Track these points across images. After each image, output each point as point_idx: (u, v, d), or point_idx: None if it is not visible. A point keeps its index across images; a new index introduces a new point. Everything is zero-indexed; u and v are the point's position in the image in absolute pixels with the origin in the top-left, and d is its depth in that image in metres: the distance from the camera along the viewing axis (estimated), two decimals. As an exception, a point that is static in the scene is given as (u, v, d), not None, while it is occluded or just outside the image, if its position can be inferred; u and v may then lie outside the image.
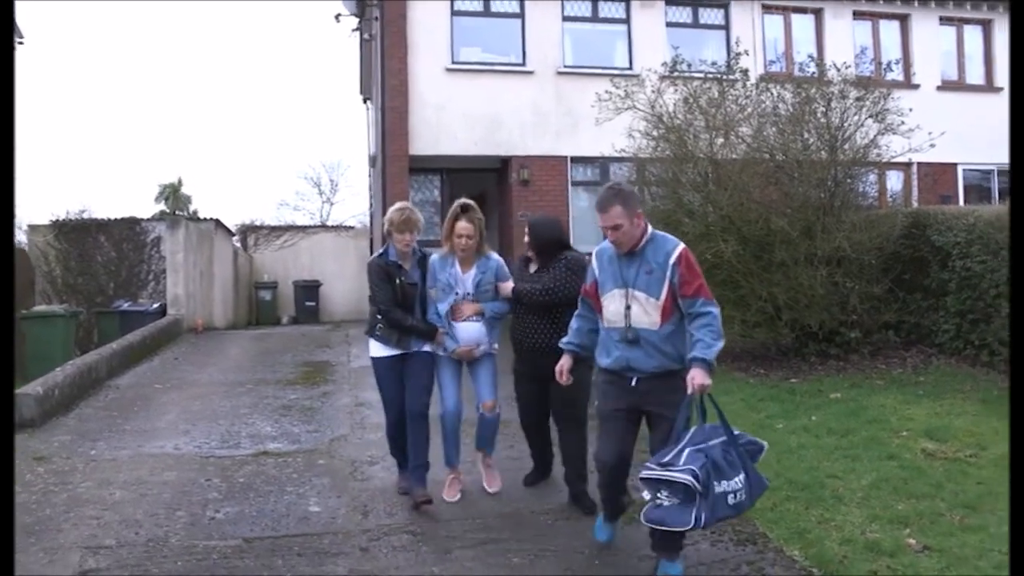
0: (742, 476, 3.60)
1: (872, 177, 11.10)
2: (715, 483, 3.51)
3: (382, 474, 5.75)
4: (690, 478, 3.46)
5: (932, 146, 9.69)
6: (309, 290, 19.12)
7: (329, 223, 34.75)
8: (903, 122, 9.43)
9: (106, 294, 15.37)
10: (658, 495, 3.55)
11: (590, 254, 4.31)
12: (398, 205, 5.09)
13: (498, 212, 15.86)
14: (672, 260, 3.90)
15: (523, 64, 14.66)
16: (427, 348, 5.14)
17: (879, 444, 6.12)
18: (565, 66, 14.71)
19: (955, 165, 16.42)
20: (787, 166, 9.32)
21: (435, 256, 5.16)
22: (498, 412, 5.23)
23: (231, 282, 17.69)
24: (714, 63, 11.01)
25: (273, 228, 22.10)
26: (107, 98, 59.74)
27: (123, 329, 12.78)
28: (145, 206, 47.83)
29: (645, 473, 3.61)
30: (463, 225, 4.98)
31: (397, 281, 5.04)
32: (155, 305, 14.16)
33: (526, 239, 5.25)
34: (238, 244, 20.03)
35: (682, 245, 3.97)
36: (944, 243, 9.06)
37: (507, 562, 4.29)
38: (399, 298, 5.06)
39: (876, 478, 5.37)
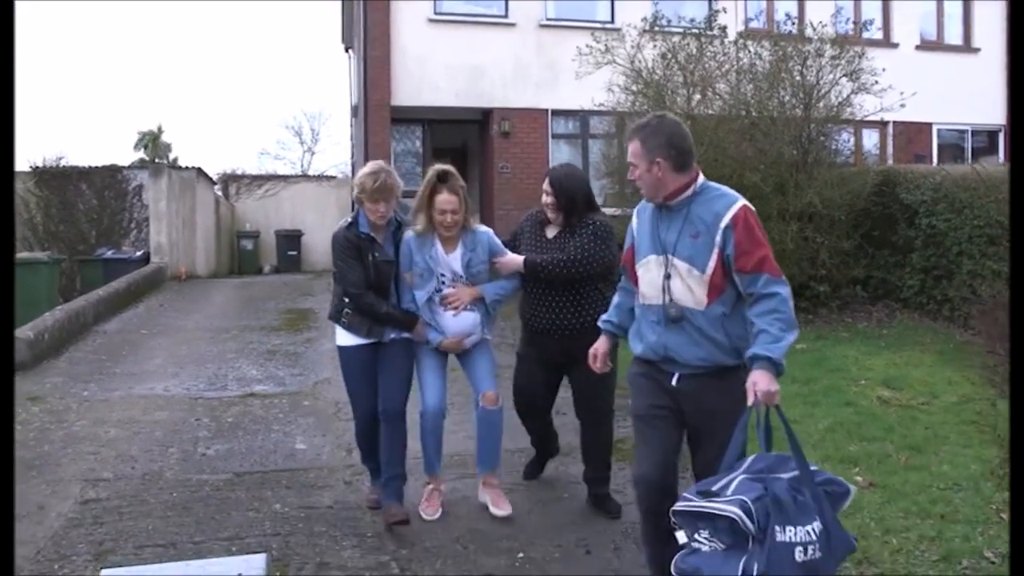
0: (818, 526, 2.55)
1: (846, 135, 11.35)
2: (776, 527, 2.50)
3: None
4: (738, 511, 2.50)
5: (902, 106, 9.92)
6: (291, 240, 19.25)
7: (310, 173, 34.67)
8: (876, 81, 9.65)
9: (88, 242, 15.41)
10: (696, 535, 2.60)
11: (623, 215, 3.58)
12: (371, 167, 4.10)
13: (479, 164, 16.02)
14: (724, 222, 2.95)
15: (505, 16, 14.68)
16: (405, 335, 4.25)
17: (838, 392, 6.45)
18: (547, 19, 14.75)
19: (931, 124, 16.66)
20: (762, 123, 9.53)
21: (410, 234, 4.18)
22: (502, 406, 4.28)
23: (213, 231, 17.78)
24: (693, 20, 11.11)
25: (255, 177, 22.10)
26: (84, 42, 58.73)
27: (107, 277, 12.89)
28: (124, 154, 47.46)
29: (681, 505, 2.65)
30: (445, 198, 4.04)
31: (370, 258, 4.11)
32: (138, 253, 14.27)
33: (546, 197, 4.23)
34: (220, 193, 20.06)
35: (741, 202, 3.00)
36: (912, 201, 9.36)
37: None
38: (372, 279, 4.13)
39: (832, 423, 5.69)
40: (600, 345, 3.52)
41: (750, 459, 2.73)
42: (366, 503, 4.41)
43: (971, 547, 3.73)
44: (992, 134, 17.77)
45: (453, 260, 4.18)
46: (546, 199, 4.23)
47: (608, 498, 4.33)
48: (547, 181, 4.24)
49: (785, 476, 2.64)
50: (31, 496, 4.49)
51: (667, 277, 3.05)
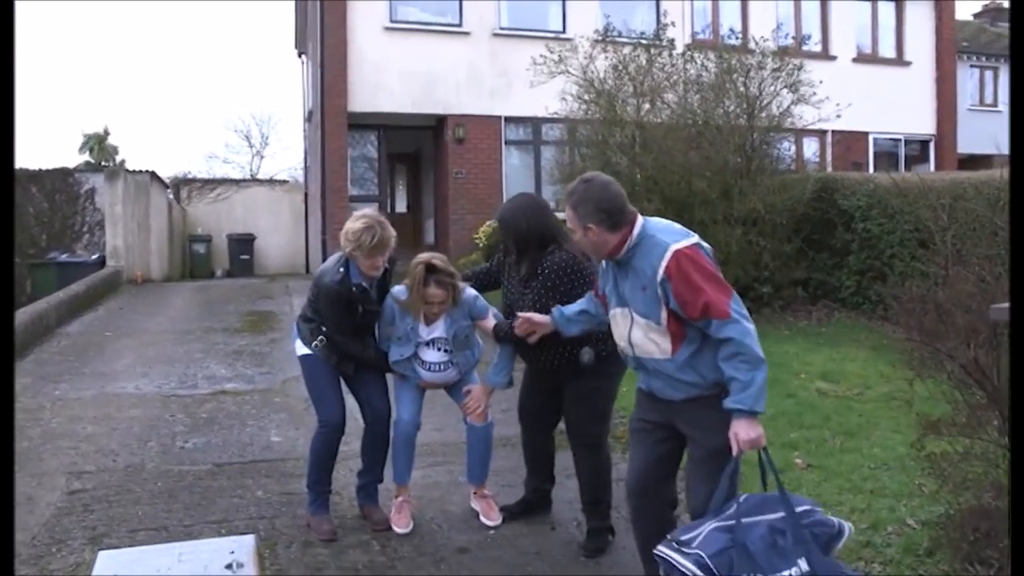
0: (799, 570, 2.60)
1: (788, 143, 11.93)
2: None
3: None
4: (693, 568, 2.59)
5: (839, 116, 10.50)
6: (243, 244, 19.27)
7: (260, 177, 34.50)
8: (815, 93, 10.22)
9: (39, 246, 15.29)
10: None
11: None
12: (363, 222, 3.90)
13: (434, 170, 16.30)
14: (659, 276, 2.89)
15: (460, 24, 15.03)
16: None
17: (780, 384, 6.89)
18: (501, 27, 15.13)
19: (867, 133, 17.45)
20: (708, 132, 10.00)
21: (400, 298, 4.09)
22: (491, 422, 4.28)
23: (166, 235, 17.74)
24: (643, 32, 11.59)
25: (207, 181, 22.02)
26: (23, 40, 57.41)
27: (61, 281, 12.86)
28: (69, 156, 46.52)
29: (658, 550, 2.76)
30: (433, 292, 3.96)
31: (360, 310, 4.04)
32: (94, 256, 14.26)
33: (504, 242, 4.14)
34: (171, 197, 19.99)
35: (673, 248, 2.90)
36: (848, 206, 9.92)
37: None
38: (358, 325, 4.12)
39: (775, 412, 6.11)
40: (536, 315, 3.69)
41: (742, 498, 2.76)
42: (316, 532, 4.10)
43: (896, 516, 4.15)
44: (924, 143, 18.65)
45: (435, 329, 4.12)
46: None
47: (599, 534, 4.00)
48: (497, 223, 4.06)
49: (768, 518, 2.69)
50: (18, 488, 4.64)
51: (630, 331, 3.07)
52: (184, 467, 5.09)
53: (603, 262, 3.24)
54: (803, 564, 2.60)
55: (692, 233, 3.04)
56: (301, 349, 4.22)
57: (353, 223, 3.93)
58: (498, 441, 4.58)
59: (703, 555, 2.60)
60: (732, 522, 2.69)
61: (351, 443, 4.53)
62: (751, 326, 2.87)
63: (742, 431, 2.81)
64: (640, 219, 3.05)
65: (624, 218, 3.02)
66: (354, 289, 3.98)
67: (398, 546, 4.01)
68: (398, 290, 4.12)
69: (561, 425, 4.17)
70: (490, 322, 4.08)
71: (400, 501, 4.26)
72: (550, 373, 3.98)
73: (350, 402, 4.27)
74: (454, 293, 4.01)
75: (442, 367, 4.19)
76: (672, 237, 2.97)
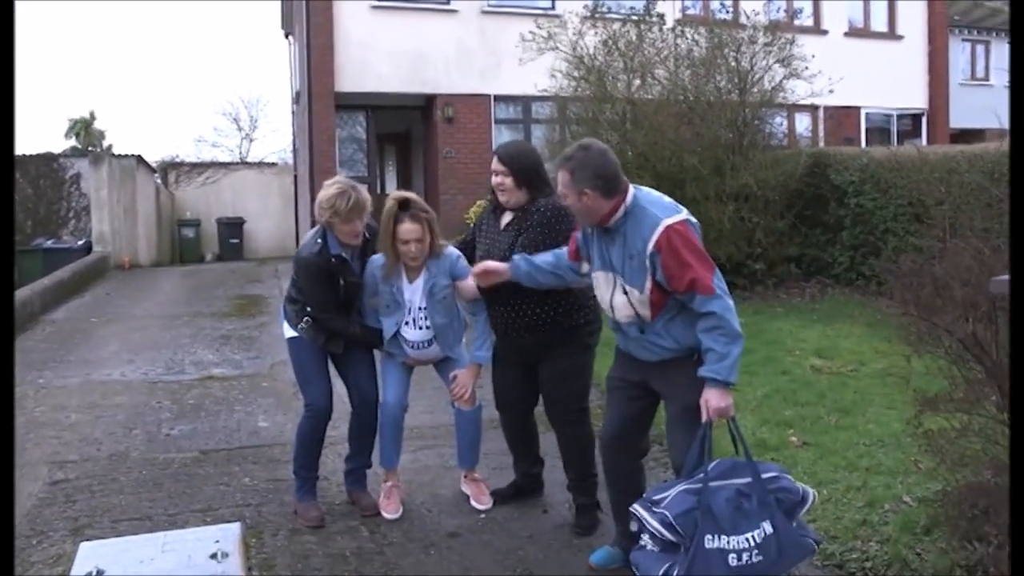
0: (762, 532, 2.77)
1: (780, 119, 11.81)
2: (707, 536, 2.74)
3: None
4: (657, 525, 2.79)
5: (831, 91, 10.38)
6: (233, 227, 19.14)
7: (249, 160, 34.25)
8: (807, 67, 10.10)
9: (24, 232, 15.14)
10: (642, 534, 2.90)
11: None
12: (337, 187, 3.80)
13: (423, 150, 16.15)
14: (650, 248, 2.99)
15: (447, 3, 14.82)
16: None
17: (774, 362, 6.84)
18: (489, 5, 14.93)
19: (859, 108, 17.33)
20: (699, 107, 9.89)
21: (376, 261, 3.97)
22: (479, 405, 4.19)
23: (154, 219, 17.60)
24: (633, 8, 11.43)
25: (195, 165, 21.88)
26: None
27: (47, 267, 12.74)
28: (55, 141, 46.13)
29: (634, 507, 2.94)
30: (407, 228, 3.78)
31: (341, 282, 3.93)
32: (80, 242, 14.13)
33: (496, 178, 3.84)
34: (159, 181, 19.83)
35: (664, 223, 3.00)
36: (841, 182, 9.84)
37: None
38: (342, 300, 3.99)
39: (769, 390, 6.06)
40: (493, 264, 3.70)
41: (713, 464, 2.91)
42: (302, 518, 4.01)
43: (892, 494, 4.09)
44: (916, 117, 18.55)
45: (414, 289, 3.96)
46: (496, 180, 3.83)
47: (587, 510, 3.93)
48: (496, 159, 3.85)
49: (736, 482, 2.86)
50: None
51: (612, 295, 3.19)
52: (169, 455, 5.00)
53: (586, 227, 3.31)
54: (767, 527, 2.80)
55: (681, 207, 3.15)
56: (288, 332, 4.13)
57: (326, 190, 3.83)
58: (488, 423, 4.50)
59: (668, 515, 2.79)
60: (700, 485, 2.85)
61: (339, 427, 4.44)
62: (731, 302, 3.01)
63: (713, 399, 2.95)
64: (631, 188, 3.15)
65: (618, 186, 3.11)
66: (333, 260, 3.88)
67: (387, 531, 3.94)
68: (376, 257, 3.99)
69: (540, 405, 4.08)
70: (471, 282, 3.89)
71: (389, 486, 4.17)
72: (526, 343, 3.85)
73: (339, 386, 4.17)
74: (430, 230, 3.84)
75: (425, 344, 4.06)
76: (664, 212, 3.07)
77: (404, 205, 3.82)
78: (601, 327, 3.94)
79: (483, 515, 4.09)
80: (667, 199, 3.19)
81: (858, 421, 5.30)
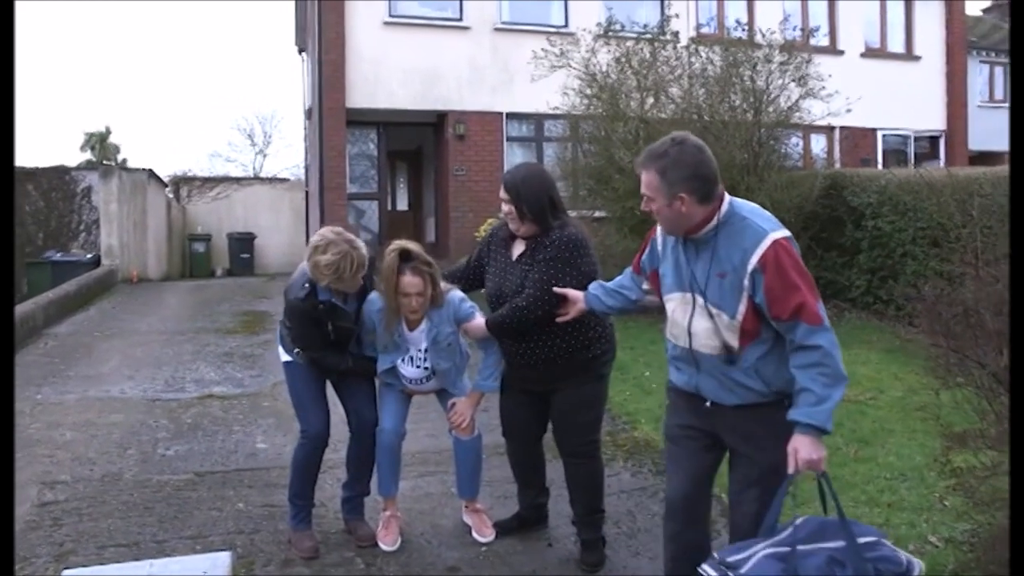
0: None
1: (795, 139, 11.65)
2: None
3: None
4: None
5: (849, 111, 10.22)
6: (243, 242, 19.07)
7: (263, 175, 34.32)
8: (823, 87, 9.94)
9: (35, 244, 15.15)
10: None
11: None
12: (335, 251, 3.53)
13: (434, 167, 16.06)
14: (752, 265, 2.55)
15: (460, 19, 14.76)
16: None
17: (790, 388, 6.63)
18: (502, 22, 14.86)
19: (875, 130, 17.16)
20: (714, 127, 9.73)
21: (375, 303, 3.78)
22: (479, 434, 4.01)
23: (164, 234, 17.54)
24: (646, 25, 11.32)
25: (206, 179, 21.82)
26: (28, 40, 57.32)
27: (56, 280, 12.69)
28: (71, 155, 46.42)
29: (702, 568, 2.53)
30: (409, 281, 3.61)
31: (329, 326, 3.75)
32: (89, 255, 14.07)
33: (505, 206, 3.60)
34: (171, 195, 19.81)
35: (771, 237, 2.56)
36: (858, 203, 9.64)
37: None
38: (331, 341, 3.81)
39: (785, 418, 5.86)
40: (572, 292, 3.37)
41: (798, 521, 2.46)
42: (296, 549, 3.83)
43: (916, 533, 3.88)
44: (933, 139, 18.34)
45: (418, 335, 3.80)
46: (505, 208, 3.61)
47: (594, 546, 3.74)
48: (502, 187, 3.61)
49: (828, 547, 2.40)
50: (-13, 499, 4.43)
51: (691, 318, 2.71)
52: (163, 476, 4.84)
53: (659, 234, 2.87)
54: None
55: (782, 225, 2.69)
56: (284, 355, 3.98)
57: (323, 255, 3.53)
58: (491, 449, 4.32)
59: None
60: (787, 549, 2.40)
61: (339, 450, 4.27)
62: (836, 339, 2.56)
63: (804, 449, 2.49)
64: (727, 195, 2.69)
65: (716, 190, 2.65)
66: (320, 307, 3.68)
67: (384, 564, 3.75)
68: (374, 297, 3.81)
69: (548, 435, 3.88)
70: (478, 321, 3.71)
71: (387, 516, 3.98)
72: (540, 374, 3.65)
73: (340, 408, 4.00)
74: (432, 283, 3.67)
75: (423, 380, 3.90)
76: (769, 224, 2.62)
77: (406, 256, 3.64)
78: (615, 356, 3.78)
79: (484, 548, 3.90)
80: (768, 212, 2.71)
81: (878, 452, 5.10)
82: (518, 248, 3.67)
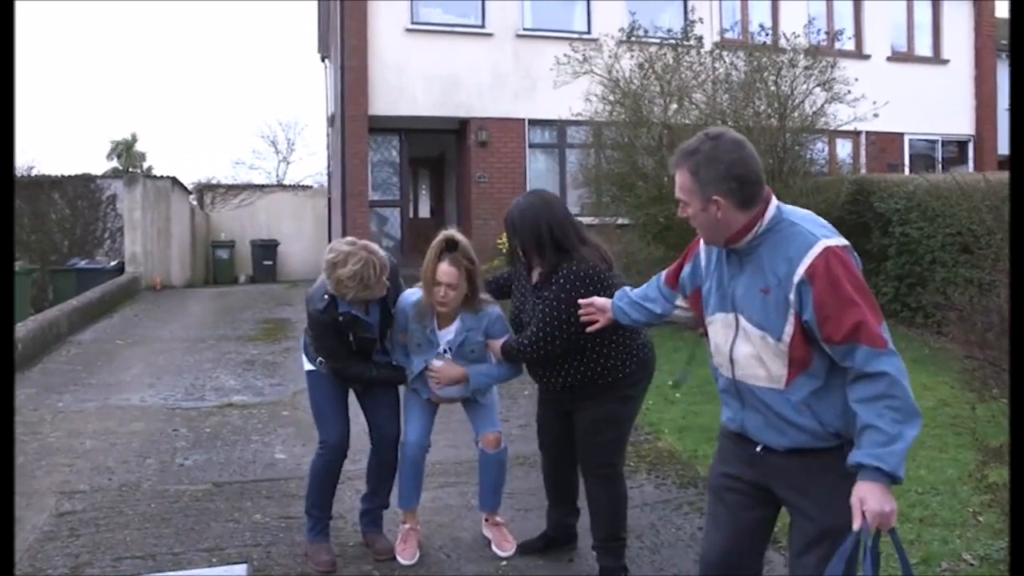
0: None
1: (821, 145, 11.49)
2: None
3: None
4: None
5: (876, 116, 10.06)
6: (267, 249, 19.16)
7: (286, 182, 34.47)
8: (849, 91, 9.80)
9: (60, 252, 15.29)
10: None
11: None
12: (355, 262, 3.44)
13: (456, 174, 16.03)
14: (798, 276, 2.18)
15: (482, 26, 14.73)
16: None
17: (816, 398, 6.50)
18: (524, 28, 14.81)
19: (902, 135, 16.89)
20: (739, 132, 9.60)
21: (411, 301, 3.74)
22: (504, 447, 3.92)
23: (188, 241, 17.65)
24: (670, 30, 11.22)
25: (230, 187, 21.96)
26: (55, 49, 58.13)
27: (80, 287, 12.80)
28: (97, 163, 46.88)
29: None
30: (444, 269, 3.54)
31: (351, 337, 3.69)
32: (113, 263, 14.19)
33: (511, 243, 3.60)
34: (195, 202, 19.94)
35: (824, 243, 2.19)
36: (885, 209, 9.49)
37: None
38: (353, 351, 3.75)
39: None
40: (600, 300, 3.09)
41: None
42: (313, 565, 3.75)
43: (949, 549, 3.76)
44: (962, 144, 18.06)
45: (445, 336, 3.73)
46: (511, 243, 3.55)
47: (612, 574, 3.58)
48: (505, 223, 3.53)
49: None
50: (5, 509, 4.42)
51: (733, 343, 2.35)
52: (181, 486, 4.80)
53: (703, 246, 2.50)
54: None
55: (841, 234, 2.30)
56: (307, 364, 3.92)
57: (343, 268, 3.44)
58: (514, 459, 4.24)
59: None
60: None
61: (358, 462, 4.22)
62: (904, 366, 2.15)
63: (873, 499, 2.06)
64: (774, 199, 2.31)
65: (759, 193, 2.27)
66: (341, 319, 3.61)
67: (402, 579, 3.69)
68: (409, 292, 3.78)
69: None
70: (500, 343, 3.66)
71: (407, 529, 3.91)
72: (562, 396, 3.58)
73: (361, 418, 3.94)
74: (469, 279, 3.57)
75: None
76: (821, 230, 2.24)
77: (451, 246, 3.57)
78: (649, 377, 3.62)
79: (504, 563, 3.82)
80: (821, 219, 2.34)
81: (908, 465, 4.86)
82: (536, 274, 3.56)
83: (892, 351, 2.13)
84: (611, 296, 3.11)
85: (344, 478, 4.03)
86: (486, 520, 4.04)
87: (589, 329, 3.18)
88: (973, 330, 2.97)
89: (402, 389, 3.93)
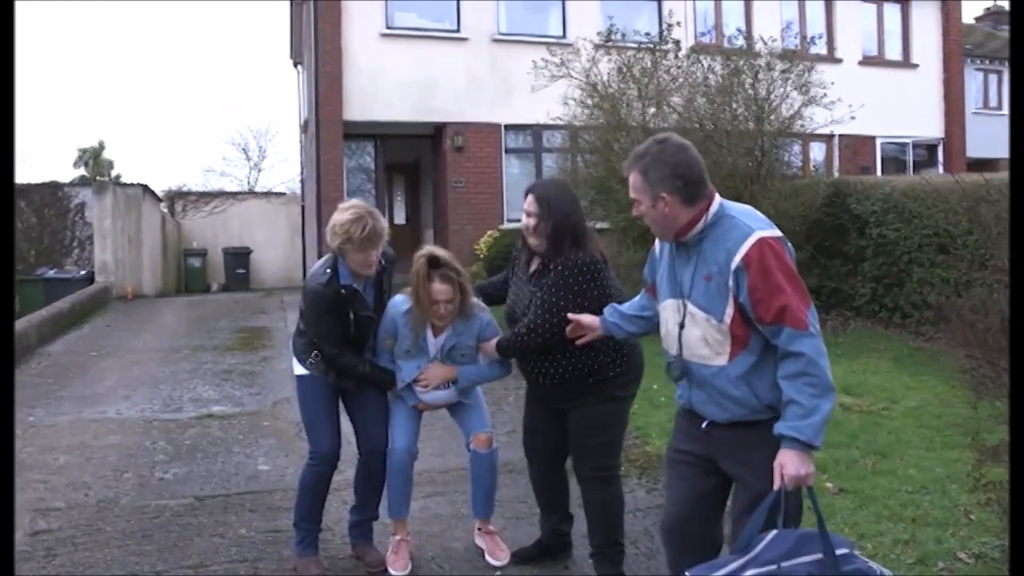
0: None
1: (796, 148, 11.56)
2: None
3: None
4: None
5: (852, 118, 10.15)
6: (239, 257, 18.96)
7: (257, 189, 34.16)
8: (825, 94, 9.85)
9: (27, 262, 14.97)
10: None
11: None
12: (352, 213, 3.50)
13: (432, 179, 15.96)
14: (735, 263, 2.47)
15: (458, 30, 14.69)
16: None
17: (800, 400, 6.49)
18: (500, 33, 14.80)
19: (874, 138, 17.11)
20: (716, 136, 9.62)
21: (401, 310, 3.71)
22: (496, 448, 3.89)
23: (159, 249, 17.40)
24: (647, 34, 11.22)
25: (202, 194, 21.71)
26: (21, 56, 57.19)
27: (48, 297, 12.56)
28: (64, 171, 46.15)
29: None
30: (439, 288, 3.54)
31: (351, 315, 3.64)
32: (82, 272, 13.92)
33: (527, 219, 3.49)
34: (166, 210, 19.68)
35: (757, 235, 2.48)
36: (862, 211, 9.53)
37: None
38: (350, 335, 3.69)
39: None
40: (587, 317, 3.19)
41: (770, 536, 2.33)
42: None
43: (945, 549, 3.74)
44: (931, 147, 18.30)
45: (437, 343, 3.74)
46: (527, 220, 3.48)
47: None
48: (530, 198, 3.47)
49: (805, 560, 2.30)
50: (-21, 527, 4.27)
51: (681, 326, 2.63)
52: (162, 501, 4.67)
53: (657, 244, 2.82)
54: None
55: (776, 227, 2.59)
56: (297, 368, 3.83)
57: (340, 214, 3.52)
58: (502, 467, 4.16)
59: None
60: (773, 568, 2.27)
61: (346, 471, 4.13)
62: (823, 345, 2.43)
63: (791, 464, 2.37)
64: (717, 197, 2.60)
65: (702, 191, 2.58)
66: (343, 291, 3.58)
67: (393, 591, 3.60)
68: (399, 300, 3.73)
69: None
70: (493, 343, 3.66)
71: (397, 540, 3.82)
72: (553, 393, 3.53)
73: (348, 427, 3.86)
74: (461, 291, 3.59)
75: (440, 387, 3.79)
76: (757, 223, 2.54)
77: (434, 263, 3.56)
78: (639, 378, 3.61)
79: (499, 572, 3.75)
80: (760, 214, 2.63)
81: (897, 465, 4.96)
82: (533, 265, 3.55)
83: (812, 333, 2.41)
84: (604, 290, 3.34)
85: (331, 489, 3.92)
86: (479, 529, 3.96)
87: (578, 342, 3.25)
88: (972, 330, 2.95)
89: (388, 396, 3.86)
